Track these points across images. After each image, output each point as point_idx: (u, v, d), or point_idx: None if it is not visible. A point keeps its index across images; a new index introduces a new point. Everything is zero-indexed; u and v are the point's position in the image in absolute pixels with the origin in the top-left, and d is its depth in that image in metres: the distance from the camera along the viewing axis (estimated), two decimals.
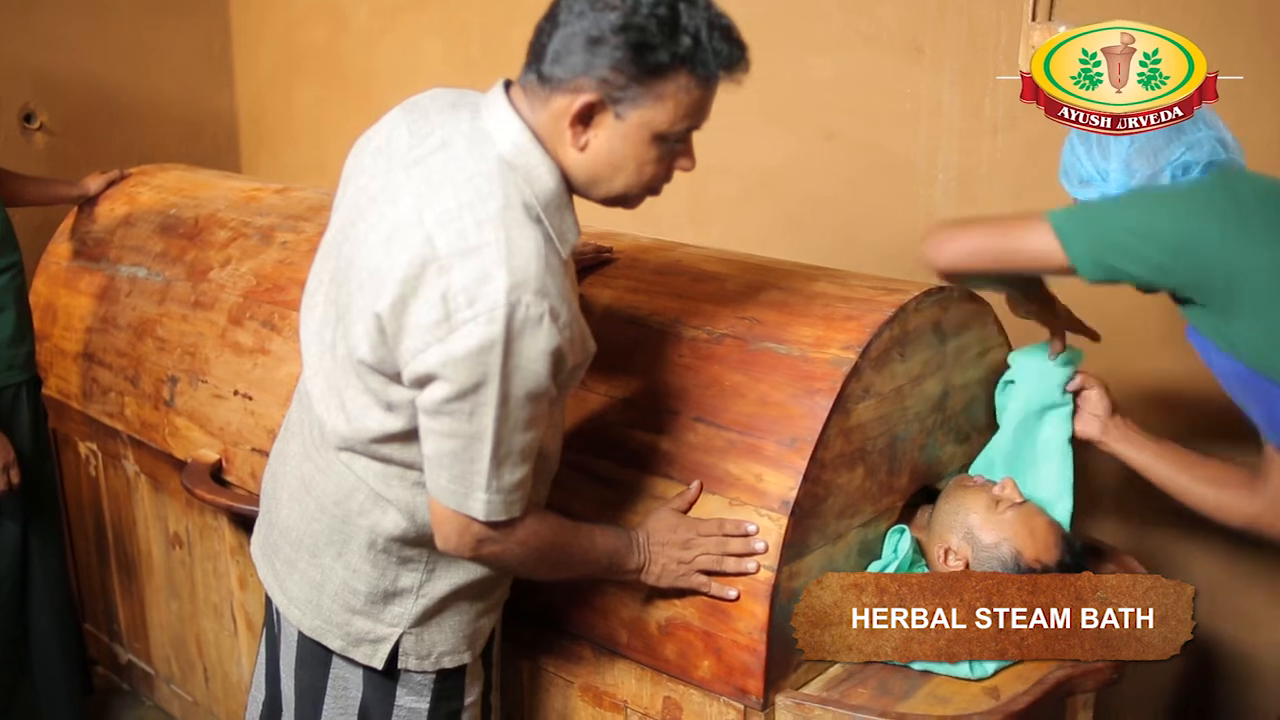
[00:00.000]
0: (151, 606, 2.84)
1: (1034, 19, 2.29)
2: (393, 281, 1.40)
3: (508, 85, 1.50)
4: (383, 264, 1.42)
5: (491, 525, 1.50)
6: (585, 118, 1.43)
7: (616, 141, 1.44)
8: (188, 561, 2.63)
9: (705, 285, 1.97)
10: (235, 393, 2.38)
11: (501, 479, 1.47)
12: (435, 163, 1.46)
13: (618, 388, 1.88)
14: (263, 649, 1.86)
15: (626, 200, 1.52)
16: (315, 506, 1.64)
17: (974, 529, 1.82)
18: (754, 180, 2.85)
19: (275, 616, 1.79)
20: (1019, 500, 1.83)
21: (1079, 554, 1.83)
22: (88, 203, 3.04)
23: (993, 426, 2.03)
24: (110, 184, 3.06)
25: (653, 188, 1.51)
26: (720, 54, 1.41)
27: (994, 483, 1.87)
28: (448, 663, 1.70)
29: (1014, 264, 1.66)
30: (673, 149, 1.47)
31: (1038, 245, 1.60)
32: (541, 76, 1.43)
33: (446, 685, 1.72)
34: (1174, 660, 1.55)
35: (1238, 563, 2.34)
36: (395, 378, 1.47)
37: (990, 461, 1.99)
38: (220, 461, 2.39)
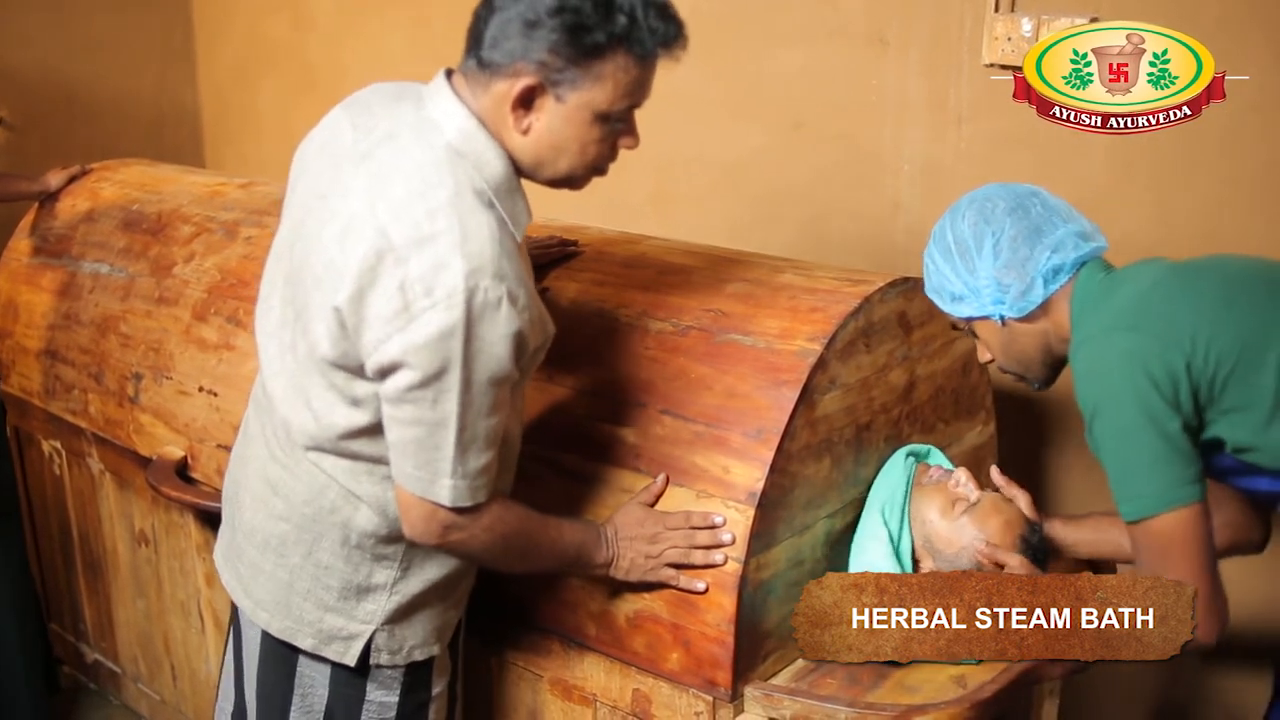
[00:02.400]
0: (118, 605, 2.82)
1: (997, 10, 2.30)
2: (350, 275, 1.40)
3: (449, 74, 1.51)
4: (338, 258, 1.42)
5: (458, 511, 1.50)
6: (526, 101, 1.43)
7: (558, 123, 1.44)
8: (154, 559, 2.61)
9: (671, 278, 1.97)
10: (200, 389, 2.36)
11: (467, 464, 1.47)
12: (383, 155, 1.46)
13: (584, 380, 1.87)
14: (229, 657, 1.85)
15: (572, 181, 1.52)
16: (283, 507, 1.63)
17: (932, 539, 1.81)
18: (720, 172, 2.85)
19: (239, 624, 1.78)
20: (974, 498, 1.82)
21: (1038, 546, 1.81)
22: (49, 198, 3.00)
23: (959, 416, 2.04)
24: (72, 179, 3.02)
25: (598, 167, 1.52)
26: (656, 32, 1.41)
27: (950, 474, 1.86)
28: (418, 655, 1.70)
29: (1207, 556, 1.54)
30: (615, 128, 1.48)
31: (1179, 529, 1.52)
32: (481, 62, 1.44)
33: (415, 678, 1.72)
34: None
35: None
36: (358, 371, 1.46)
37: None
38: (185, 458, 2.37)
